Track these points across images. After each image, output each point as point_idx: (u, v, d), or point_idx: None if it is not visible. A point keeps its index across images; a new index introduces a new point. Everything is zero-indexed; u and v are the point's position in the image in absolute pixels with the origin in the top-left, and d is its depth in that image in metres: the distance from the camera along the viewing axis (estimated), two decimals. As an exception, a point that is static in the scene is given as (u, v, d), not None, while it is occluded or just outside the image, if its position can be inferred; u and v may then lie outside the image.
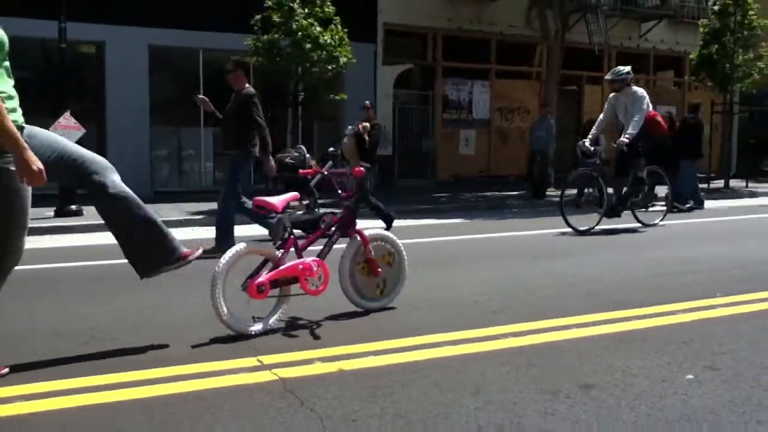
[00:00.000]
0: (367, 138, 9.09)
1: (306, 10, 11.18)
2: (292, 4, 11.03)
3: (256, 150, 6.88)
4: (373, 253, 4.31)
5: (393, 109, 17.12)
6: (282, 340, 3.67)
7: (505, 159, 18.59)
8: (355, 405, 2.72)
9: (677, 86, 22.36)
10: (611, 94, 8.80)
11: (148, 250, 3.53)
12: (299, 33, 10.69)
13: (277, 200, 3.95)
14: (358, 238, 4.29)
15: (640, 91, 8.56)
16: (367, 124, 9.29)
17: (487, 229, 9.26)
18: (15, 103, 3.05)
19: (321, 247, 4.21)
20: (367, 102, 10.36)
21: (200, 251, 3.69)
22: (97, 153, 3.53)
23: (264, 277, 3.78)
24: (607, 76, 8.90)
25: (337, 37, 11.41)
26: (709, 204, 12.41)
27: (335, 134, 15.61)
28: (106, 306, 4.47)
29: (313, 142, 15.23)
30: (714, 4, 16.56)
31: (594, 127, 8.82)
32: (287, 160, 10.09)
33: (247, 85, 6.98)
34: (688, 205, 11.46)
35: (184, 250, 3.61)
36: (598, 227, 8.20)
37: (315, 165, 9.55)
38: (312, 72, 11.38)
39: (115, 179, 3.44)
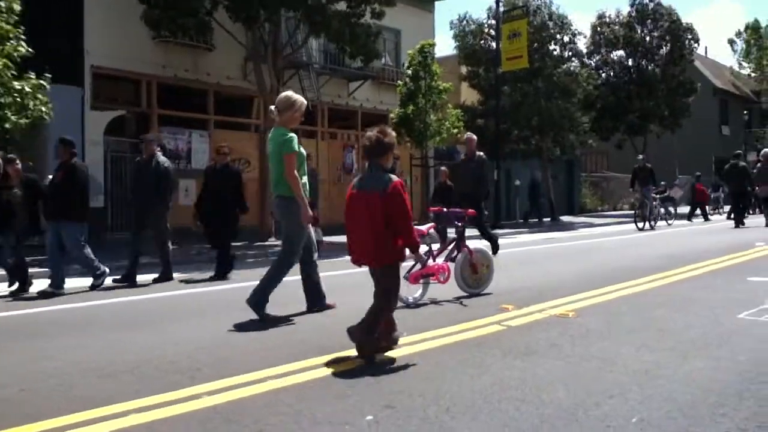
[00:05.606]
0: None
1: (-8, 48, 9.95)
2: None
3: None
4: (475, 260, 6.90)
5: (104, 157, 16.11)
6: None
7: (226, 209, 18.50)
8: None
9: (384, 141, 24.51)
10: None
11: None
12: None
13: (425, 227, 6.32)
14: (467, 250, 6.88)
15: None
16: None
17: (198, 284, 9.07)
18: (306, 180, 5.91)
19: (446, 254, 7.00)
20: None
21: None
22: None
23: (417, 272, 6.21)
24: None
25: (31, 84, 10.25)
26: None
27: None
28: None
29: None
30: (408, 68, 18.62)
31: None
32: None
33: None
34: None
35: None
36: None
37: None
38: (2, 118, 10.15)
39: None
